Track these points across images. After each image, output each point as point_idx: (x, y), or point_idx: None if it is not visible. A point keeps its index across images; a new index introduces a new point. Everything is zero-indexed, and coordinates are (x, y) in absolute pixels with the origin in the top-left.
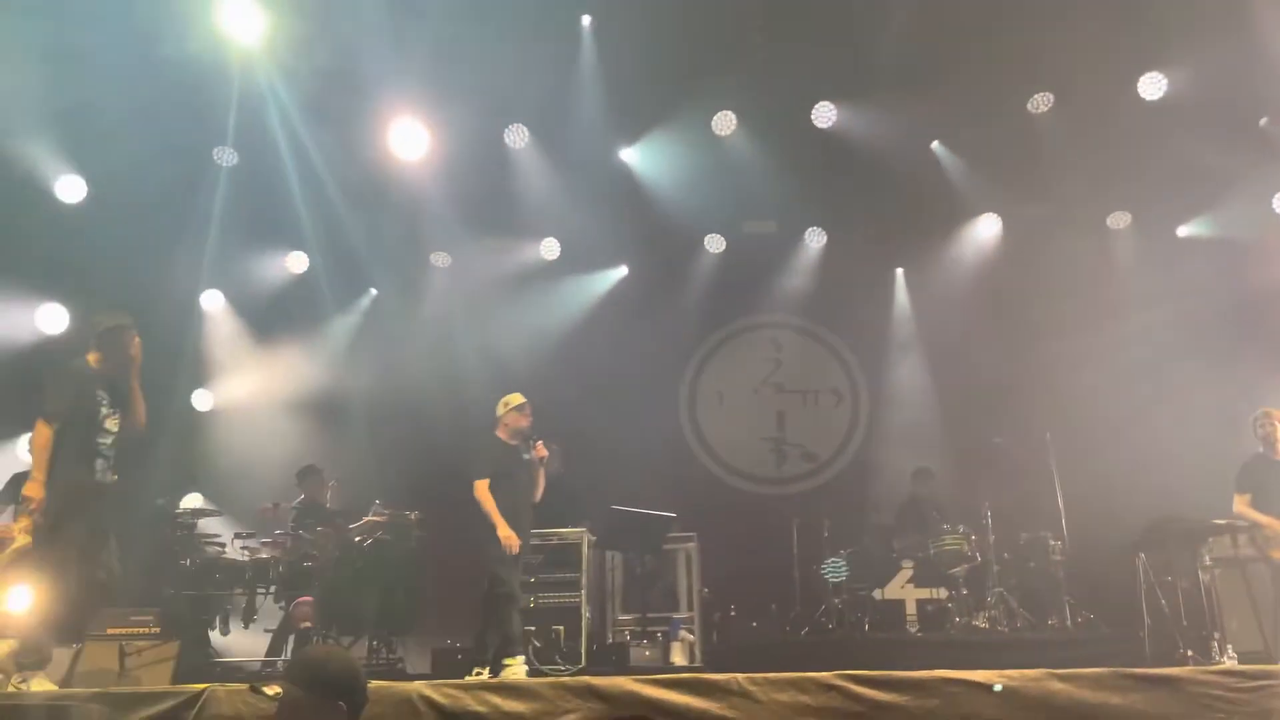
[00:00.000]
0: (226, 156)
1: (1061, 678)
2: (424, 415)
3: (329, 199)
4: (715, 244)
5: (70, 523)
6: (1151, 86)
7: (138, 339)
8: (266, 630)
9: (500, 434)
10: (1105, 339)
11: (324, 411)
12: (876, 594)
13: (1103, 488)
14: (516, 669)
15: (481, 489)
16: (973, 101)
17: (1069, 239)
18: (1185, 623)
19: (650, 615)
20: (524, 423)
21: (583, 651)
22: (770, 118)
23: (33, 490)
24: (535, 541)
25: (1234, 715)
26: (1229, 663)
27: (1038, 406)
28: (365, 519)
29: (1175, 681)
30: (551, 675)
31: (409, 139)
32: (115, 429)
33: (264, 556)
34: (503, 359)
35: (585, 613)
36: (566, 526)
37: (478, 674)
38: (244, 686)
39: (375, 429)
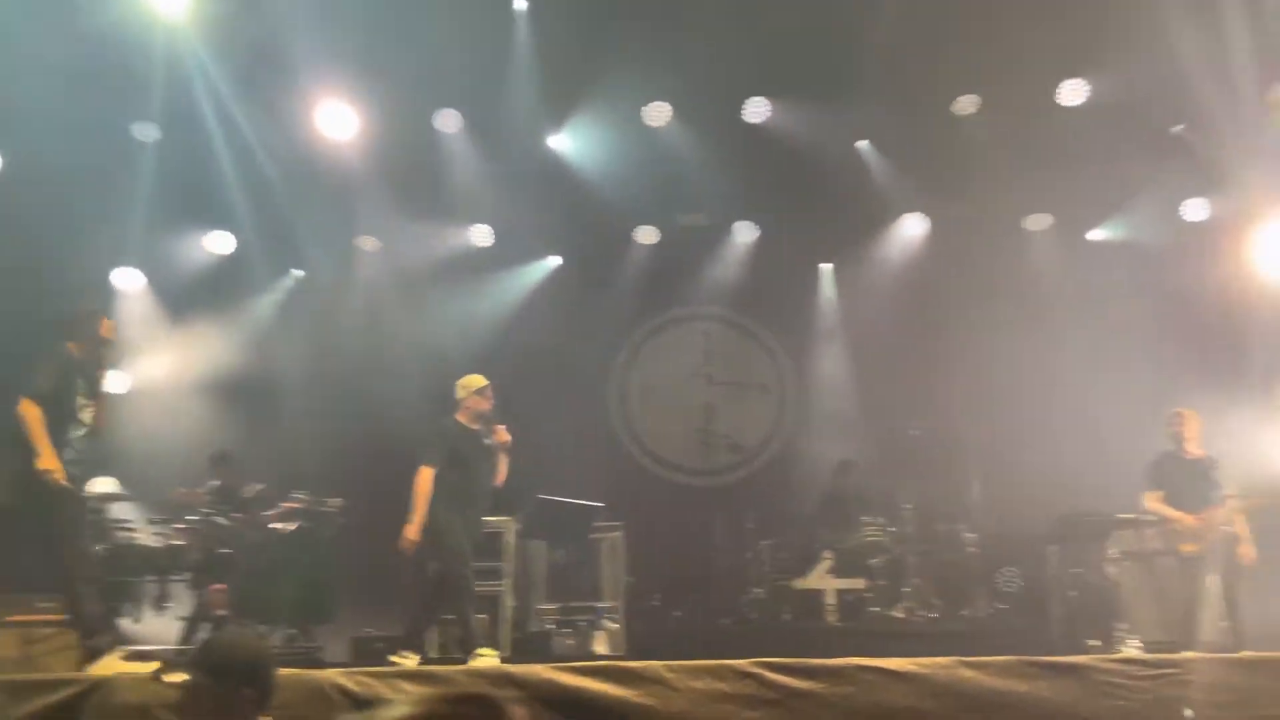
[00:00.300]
0: (148, 132)
1: (971, 665)
2: (349, 401)
3: (254, 178)
4: (648, 235)
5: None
6: (1073, 93)
7: (109, 322)
8: (179, 618)
9: (460, 418)
10: (1025, 337)
11: (244, 395)
12: (797, 583)
13: (1017, 482)
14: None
15: (424, 476)
16: (900, 102)
17: (991, 239)
18: (1092, 613)
19: (574, 604)
20: (485, 406)
21: (505, 640)
22: (703, 110)
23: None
24: None
25: (1133, 702)
26: (1131, 651)
27: (958, 402)
28: (283, 506)
29: (1079, 669)
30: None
31: (337, 120)
32: (89, 421)
33: (178, 543)
34: (431, 346)
35: (509, 602)
36: (493, 515)
37: (404, 657)
38: (146, 673)
39: (297, 414)
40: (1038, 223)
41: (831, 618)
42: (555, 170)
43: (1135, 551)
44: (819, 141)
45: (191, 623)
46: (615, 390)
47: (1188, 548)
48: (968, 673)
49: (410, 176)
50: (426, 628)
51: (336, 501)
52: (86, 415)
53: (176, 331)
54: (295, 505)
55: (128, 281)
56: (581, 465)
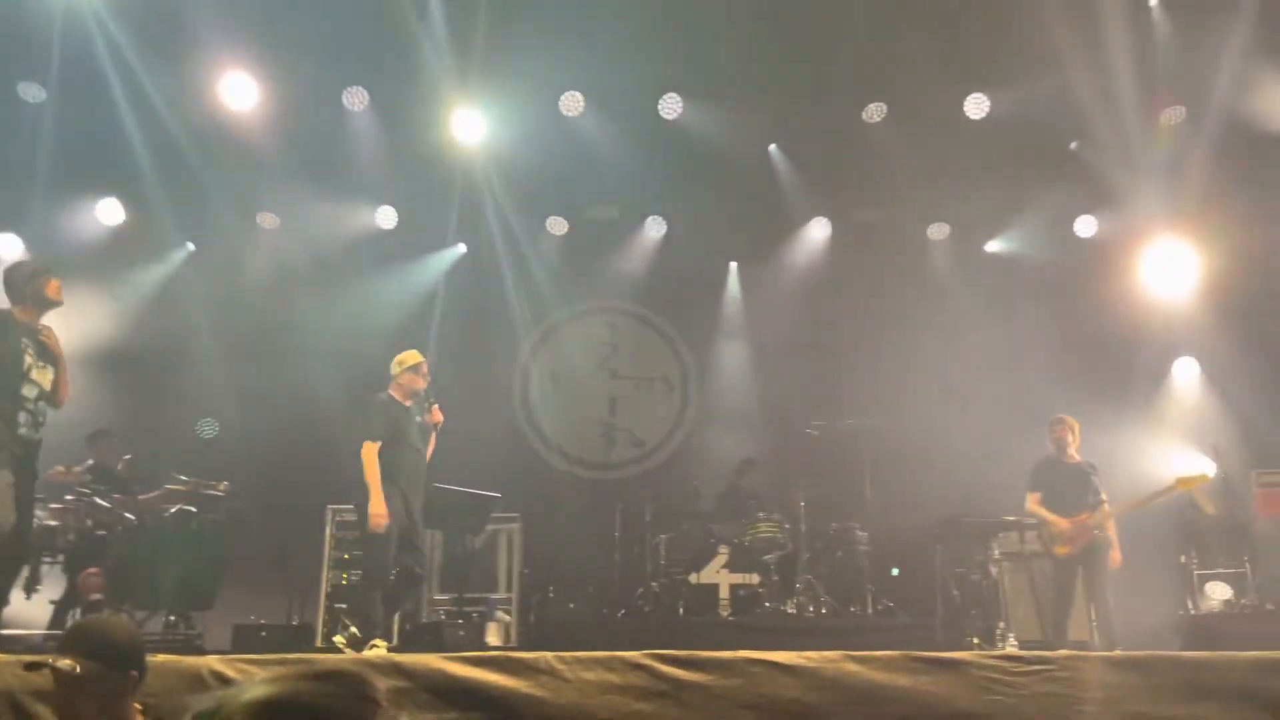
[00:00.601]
0: (33, 93)
1: (856, 659)
2: (240, 382)
3: (148, 145)
4: (557, 226)
5: None
6: (976, 106)
7: (55, 282)
8: (50, 602)
9: (394, 393)
10: (923, 342)
11: (126, 371)
12: (692, 578)
13: (910, 482)
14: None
15: (370, 452)
16: (811, 108)
17: (894, 245)
18: (974, 612)
19: (468, 595)
20: (420, 384)
21: (395, 630)
22: (618, 103)
23: None
24: (351, 518)
25: (1010, 697)
26: (1010, 649)
27: (857, 402)
28: (165, 488)
29: (959, 665)
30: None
31: (239, 91)
32: (44, 383)
33: (52, 523)
34: (330, 330)
35: None
36: None
37: (371, 646)
38: (13, 659)
39: (184, 393)
40: (938, 231)
41: (725, 612)
42: (465, 156)
43: (1015, 553)
44: (730, 142)
45: (63, 606)
46: (518, 381)
47: (1061, 550)
48: (853, 666)
49: (315, 154)
50: (390, 615)
51: (223, 485)
52: (40, 376)
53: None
54: (178, 488)
55: (4, 247)
56: (481, 455)
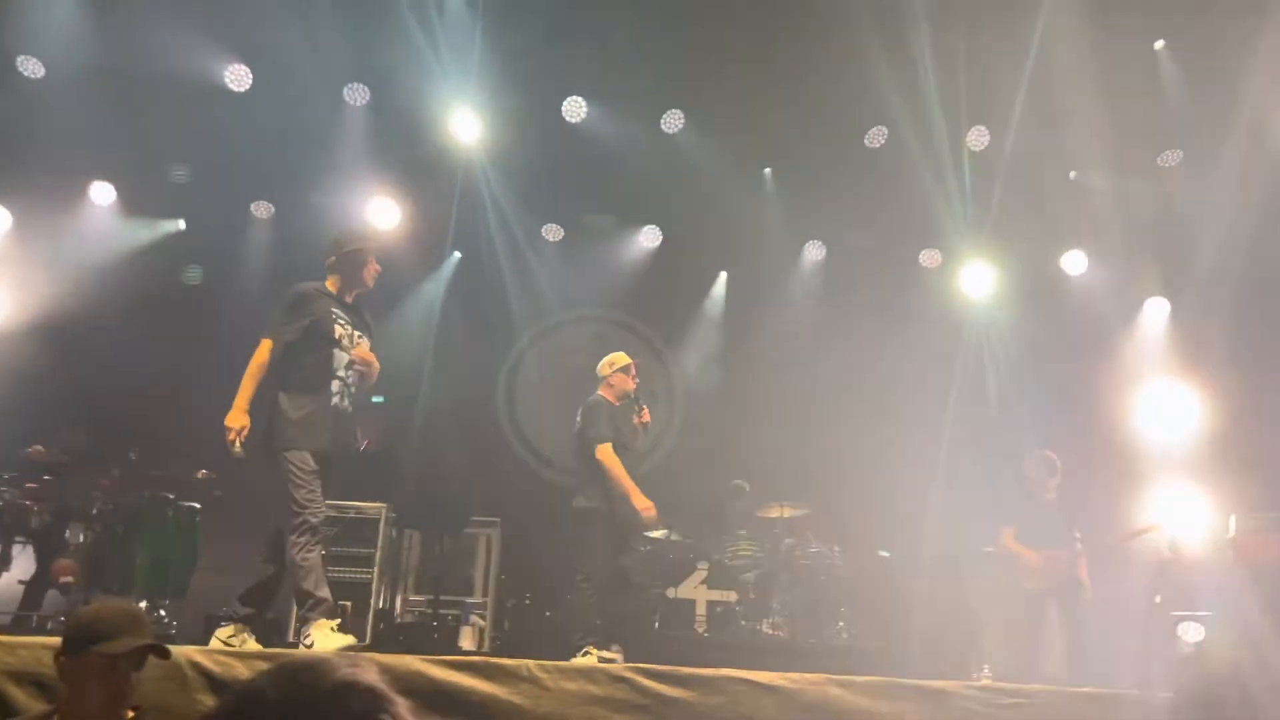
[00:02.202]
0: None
1: (839, 683)
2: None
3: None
4: (553, 233)
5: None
6: (978, 138)
7: (375, 266)
8: (20, 582)
9: (605, 395)
10: (908, 369)
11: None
12: (670, 592)
13: (889, 510)
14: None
15: (607, 453)
16: (808, 130)
17: (884, 271)
18: (948, 640)
19: (443, 598)
20: (630, 385)
21: (368, 629)
22: (620, 110)
23: (234, 419)
24: (332, 514)
25: None
26: (985, 680)
27: (845, 421)
28: (143, 473)
29: (939, 693)
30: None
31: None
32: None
33: (26, 503)
34: None
35: (376, 590)
36: (367, 500)
37: (584, 654)
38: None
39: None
40: (930, 258)
41: (701, 628)
42: (462, 162)
43: (990, 585)
44: (725, 159)
45: (34, 588)
46: (504, 387)
47: (1029, 583)
48: (835, 690)
49: (312, 146)
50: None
51: (203, 473)
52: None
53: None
54: (157, 473)
55: None
56: (463, 458)
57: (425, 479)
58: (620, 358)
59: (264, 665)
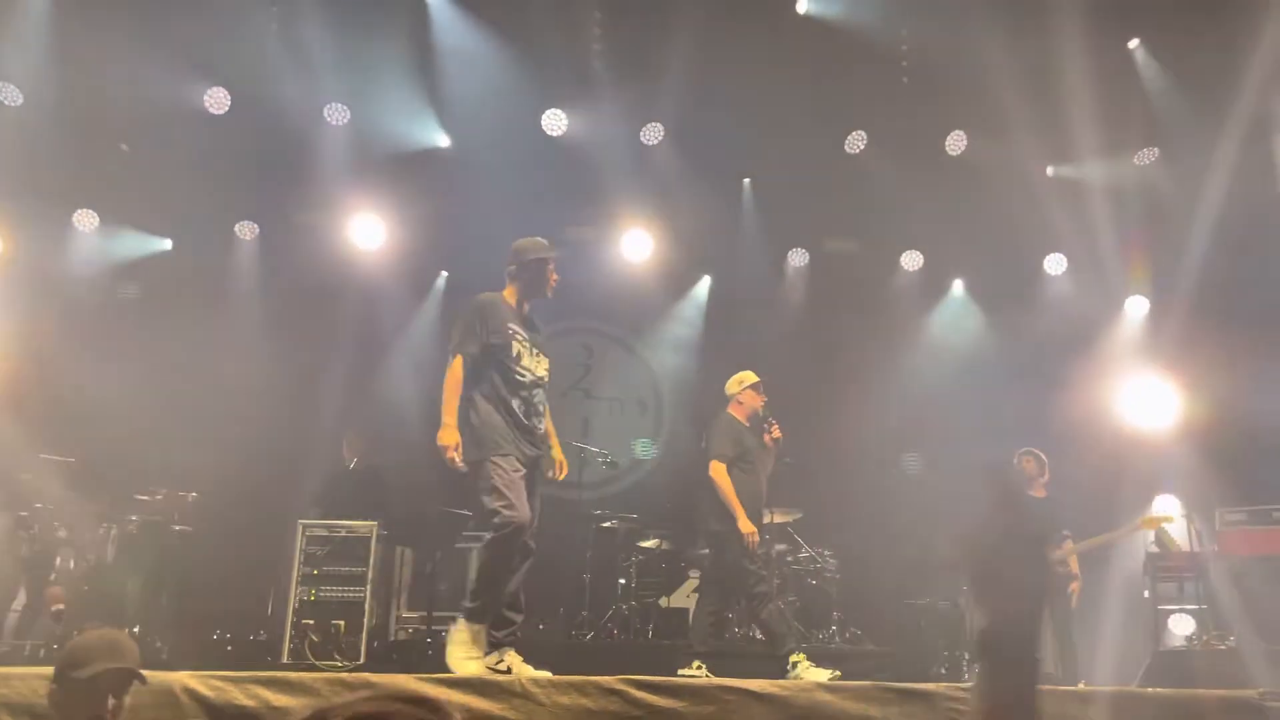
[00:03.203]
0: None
1: (829, 689)
2: (214, 395)
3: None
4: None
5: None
6: (956, 142)
7: (554, 276)
8: (13, 610)
9: (734, 413)
10: (900, 372)
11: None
12: (663, 601)
13: (878, 512)
14: (805, 664)
15: (719, 471)
16: (787, 138)
17: (867, 274)
18: (941, 642)
19: (437, 614)
20: (759, 402)
21: (362, 648)
22: (598, 121)
23: (447, 437)
24: (322, 533)
25: None
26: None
27: (832, 427)
28: (136, 498)
29: (929, 695)
30: (328, 671)
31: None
32: (537, 370)
33: (20, 532)
34: (305, 349)
35: (369, 608)
36: (357, 518)
37: (697, 667)
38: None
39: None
40: (911, 261)
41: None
42: (442, 175)
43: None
44: (707, 170)
45: (27, 616)
46: None
47: None
48: (825, 696)
49: (291, 166)
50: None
51: (192, 496)
52: (536, 366)
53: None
54: (147, 498)
55: None
56: (452, 473)
57: (415, 494)
58: (749, 375)
59: (260, 689)
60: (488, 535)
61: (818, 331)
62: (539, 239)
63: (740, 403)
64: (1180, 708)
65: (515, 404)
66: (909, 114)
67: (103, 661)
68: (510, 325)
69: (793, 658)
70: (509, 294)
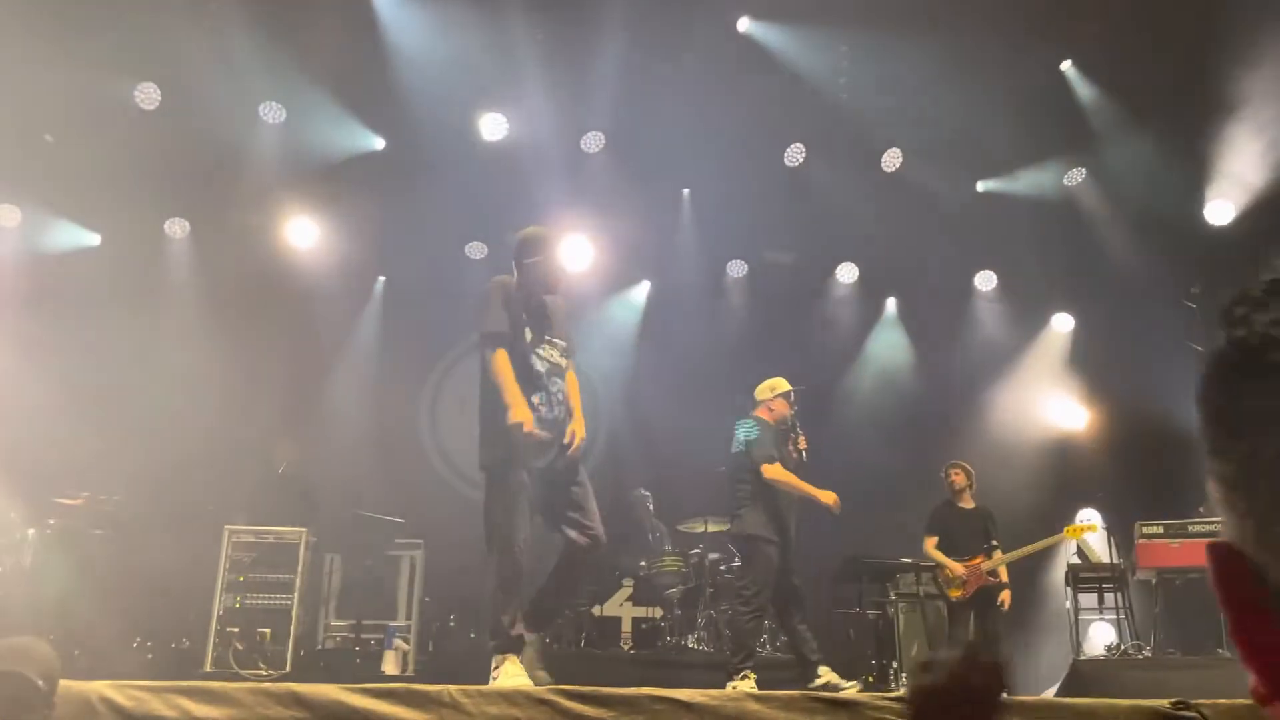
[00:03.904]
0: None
1: (758, 698)
2: (133, 394)
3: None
4: (477, 251)
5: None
6: (892, 159)
7: (560, 268)
8: None
9: (764, 416)
10: (832, 383)
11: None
12: (595, 610)
13: (810, 521)
14: (830, 674)
15: (778, 470)
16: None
17: (804, 286)
18: (869, 651)
19: (366, 622)
20: (788, 411)
21: (289, 656)
22: (543, 132)
23: (520, 414)
24: (249, 539)
25: None
26: (903, 690)
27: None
28: (54, 501)
29: (855, 705)
30: (252, 680)
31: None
32: (552, 358)
33: None
34: (240, 349)
35: (296, 615)
36: (285, 525)
37: (748, 680)
38: None
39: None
40: (848, 273)
41: (627, 645)
42: (382, 176)
43: (911, 594)
44: (647, 180)
45: None
46: (426, 405)
47: (955, 593)
48: (754, 705)
49: (224, 165)
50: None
51: (114, 500)
52: (550, 354)
53: None
54: (69, 502)
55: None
56: (385, 478)
57: (346, 501)
58: (781, 383)
59: (181, 699)
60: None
61: (756, 341)
62: (538, 229)
63: (771, 409)
64: (1096, 717)
65: (535, 399)
66: (847, 129)
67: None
68: (521, 312)
69: (820, 668)
70: (518, 284)
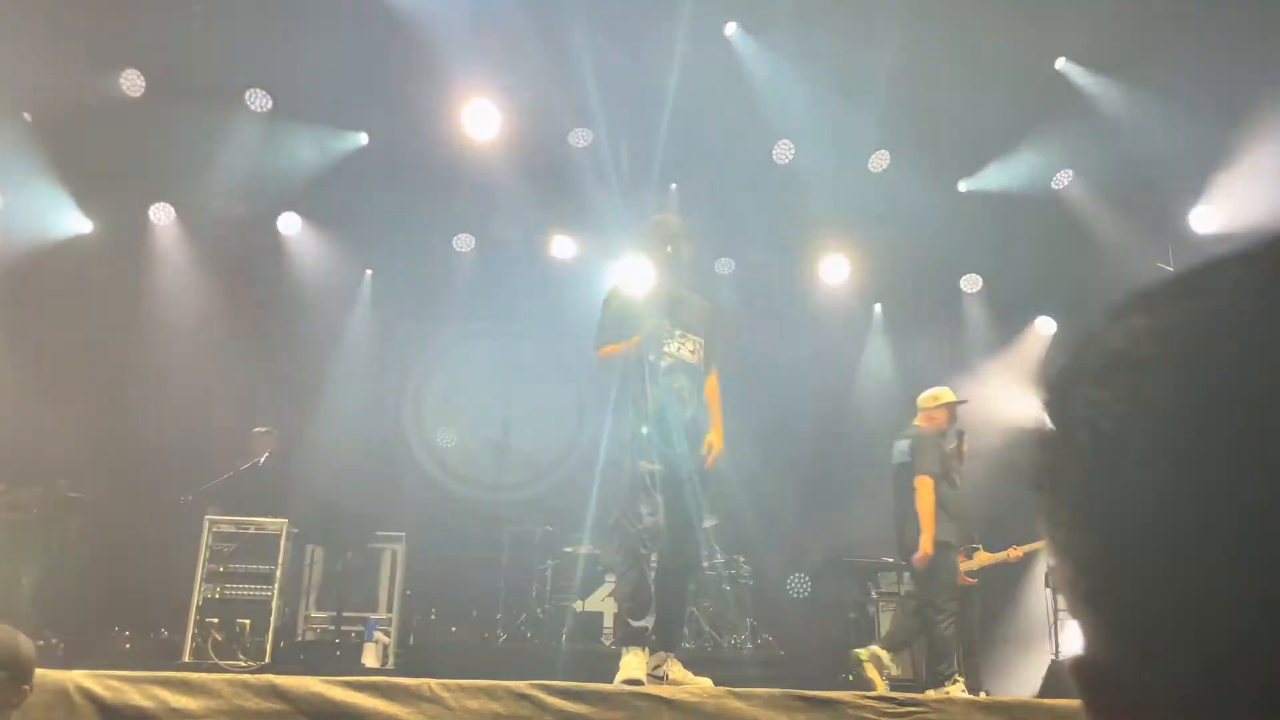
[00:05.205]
0: None
1: (739, 696)
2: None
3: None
4: (464, 243)
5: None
6: (879, 160)
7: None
8: None
9: (925, 425)
10: (816, 382)
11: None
12: (577, 605)
13: (783, 520)
14: (959, 687)
15: (926, 486)
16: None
17: (790, 284)
18: (849, 649)
19: (346, 614)
20: (947, 422)
21: (268, 648)
22: (528, 134)
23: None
24: (229, 530)
25: None
26: (883, 688)
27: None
28: (33, 490)
29: (834, 704)
30: (231, 671)
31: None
32: (681, 354)
33: None
34: (217, 336)
35: (276, 607)
36: (266, 515)
37: (958, 684)
38: None
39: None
40: (836, 273)
41: (608, 641)
42: (366, 174)
43: (892, 593)
44: (630, 176)
45: None
46: (411, 397)
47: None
48: (735, 703)
49: (215, 153)
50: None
51: (95, 488)
52: (680, 350)
53: None
54: (41, 492)
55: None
56: (368, 470)
57: (328, 492)
58: (946, 393)
59: (158, 690)
60: None
61: (738, 337)
62: (666, 217)
63: (932, 417)
64: (1075, 718)
65: (651, 392)
66: (831, 126)
67: None
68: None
69: (955, 678)
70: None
